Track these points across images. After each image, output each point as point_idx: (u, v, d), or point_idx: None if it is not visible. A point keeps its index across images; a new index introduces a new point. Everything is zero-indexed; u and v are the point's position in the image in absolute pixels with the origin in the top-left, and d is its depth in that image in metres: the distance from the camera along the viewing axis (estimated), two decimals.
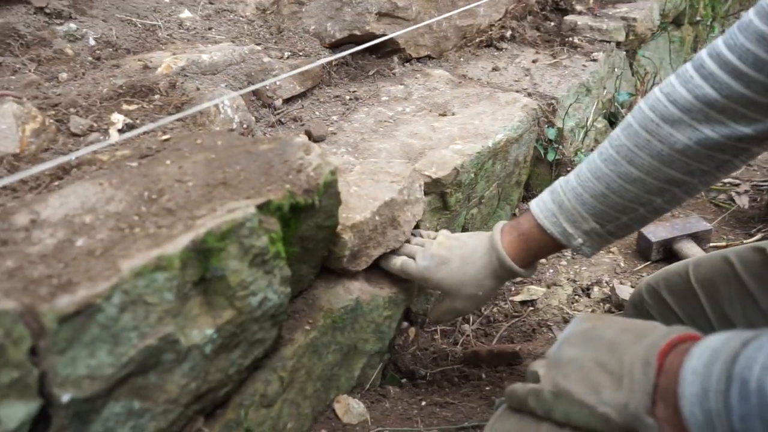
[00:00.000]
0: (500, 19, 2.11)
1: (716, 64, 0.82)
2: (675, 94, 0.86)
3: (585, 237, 0.99)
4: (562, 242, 1.00)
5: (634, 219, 0.97)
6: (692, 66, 0.86)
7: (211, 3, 1.83)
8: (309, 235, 0.95)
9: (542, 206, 1.01)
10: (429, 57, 1.92)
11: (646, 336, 0.65)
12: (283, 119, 1.45)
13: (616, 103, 2.15)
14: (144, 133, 1.06)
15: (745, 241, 1.70)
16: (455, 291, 1.08)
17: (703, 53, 0.86)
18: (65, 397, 0.61)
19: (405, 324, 1.39)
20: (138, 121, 1.12)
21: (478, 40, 2.05)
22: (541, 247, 1.03)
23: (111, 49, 1.43)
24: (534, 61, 1.95)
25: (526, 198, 1.86)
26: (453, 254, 1.08)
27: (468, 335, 1.41)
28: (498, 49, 2.07)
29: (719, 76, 0.82)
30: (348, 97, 1.61)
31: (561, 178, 1.03)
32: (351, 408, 1.12)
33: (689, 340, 0.62)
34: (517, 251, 1.03)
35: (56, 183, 0.93)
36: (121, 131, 1.09)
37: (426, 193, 1.27)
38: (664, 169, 0.88)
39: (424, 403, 1.20)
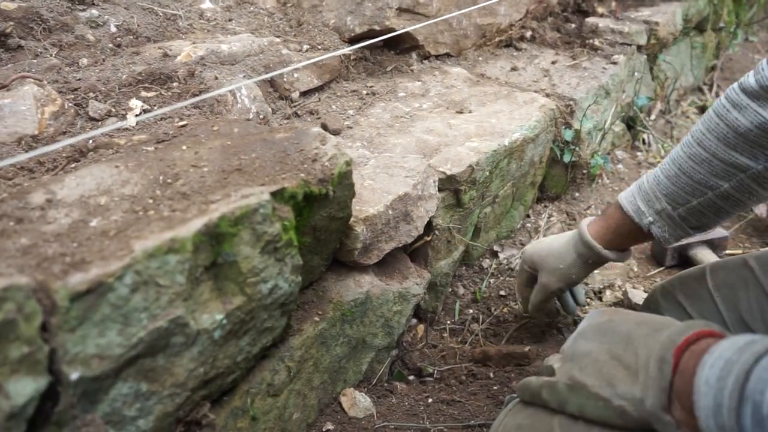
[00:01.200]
0: (521, 19, 2.10)
1: None
2: (746, 83, 0.92)
3: (656, 216, 1.03)
4: (635, 219, 1.04)
5: (705, 205, 0.98)
6: (766, 59, 0.91)
7: None
8: (322, 225, 0.94)
9: (626, 192, 1.09)
10: (448, 55, 1.91)
11: (661, 330, 0.65)
12: (299, 112, 1.45)
13: (635, 107, 2.12)
14: (161, 118, 1.07)
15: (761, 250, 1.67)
16: (541, 262, 1.20)
17: None
18: (74, 375, 0.62)
19: (414, 321, 1.38)
20: (156, 108, 1.13)
21: (497, 39, 2.04)
22: (619, 226, 1.08)
23: (131, 37, 1.44)
24: (553, 62, 1.94)
25: (540, 199, 1.84)
26: (548, 238, 1.25)
27: (477, 334, 1.40)
28: (517, 49, 2.06)
29: None
30: (365, 92, 1.61)
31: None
32: (357, 402, 1.12)
33: (705, 336, 0.62)
34: (597, 229, 1.12)
35: (73, 165, 0.94)
36: (138, 117, 1.09)
37: (440, 190, 1.27)
38: (729, 152, 0.93)
39: (430, 400, 1.19)
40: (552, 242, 1.21)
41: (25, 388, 0.57)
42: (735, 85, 0.94)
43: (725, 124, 0.93)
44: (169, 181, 0.80)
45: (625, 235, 1.10)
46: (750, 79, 0.91)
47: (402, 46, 1.78)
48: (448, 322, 1.44)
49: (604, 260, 1.14)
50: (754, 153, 0.91)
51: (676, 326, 0.65)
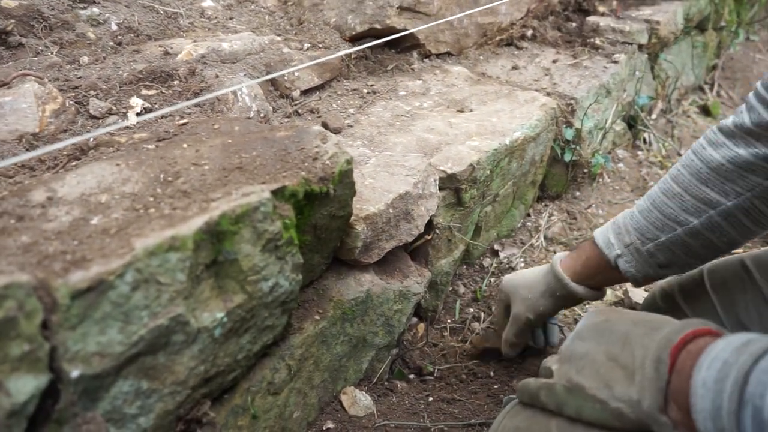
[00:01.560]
0: (521, 18, 2.09)
1: (757, 98, 0.88)
2: (724, 124, 0.93)
3: (624, 249, 1.01)
4: (604, 251, 1.03)
5: (674, 242, 0.96)
6: (744, 105, 0.92)
7: None
8: (322, 224, 0.94)
9: (602, 227, 1.08)
10: (448, 54, 1.91)
11: (659, 329, 0.65)
12: (300, 110, 1.45)
13: (636, 106, 2.12)
14: (162, 117, 1.07)
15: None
16: (513, 292, 1.17)
17: (758, 84, 0.89)
18: (75, 373, 0.62)
19: (415, 320, 1.38)
20: (156, 106, 1.13)
21: (498, 38, 2.04)
22: (589, 258, 1.06)
23: (132, 35, 1.44)
24: (554, 61, 1.94)
25: (541, 198, 1.84)
26: (526, 270, 1.21)
27: (478, 333, 1.40)
28: (518, 48, 2.05)
29: (757, 107, 0.88)
30: (366, 91, 1.60)
31: None
32: (358, 400, 1.12)
33: (703, 335, 0.62)
34: (569, 262, 1.09)
35: (73, 163, 0.94)
36: (139, 115, 1.09)
37: (441, 189, 1.27)
38: (701, 187, 0.93)
39: (431, 399, 1.20)
40: (526, 273, 1.19)
41: (26, 385, 0.57)
42: (714, 126, 0.96)
43: (699, 159, 0.94)
44: (169, 179, 0.80)
45: (593, 269, 1.06)
46: (728, 120, 0.93)
47: (403, 44, 1.78)
48: (449, 320, 1.44)
49: (573, 294, 1.08)
50: (725, 189, 0.91)
51: (673, 325, 0.64)
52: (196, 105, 1.15)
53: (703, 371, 0.56)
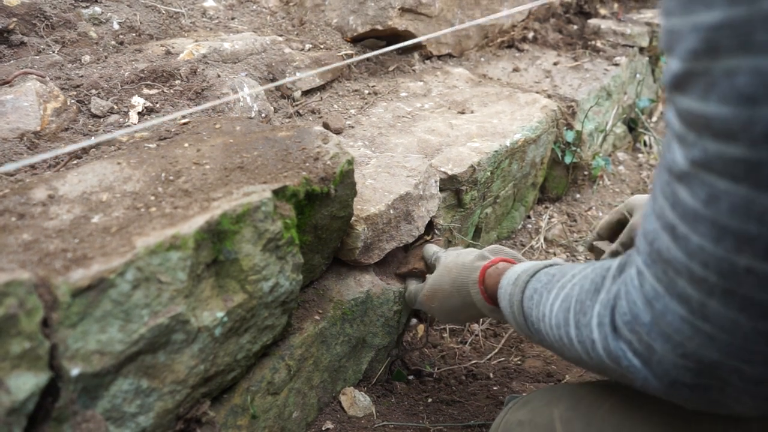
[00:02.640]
0: (523, 21, 2.10)
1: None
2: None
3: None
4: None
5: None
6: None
7: None
8: (323, 224, 0.94)
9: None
10: (450, 55, 1.91)
11: (470, 263, 0.98)
12: (301, 111, 1.45)
13: (636, 109, 2.12)
14: (163, 115, 1.07)
15: None
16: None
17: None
18: (74, 371, 0.62)
19: (414, 321, 1.38)
20: (158, 105, 1.13)
21: (499, 40, 2.04)
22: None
23: (134, 34, 1.44)
24: (555, 64, 1.94)
25: (541, 200, 1.84)
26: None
27: (477, 335, 1.40)
28: (519, 50, 2.06)
29: None
30: (367, 92, 1.61)
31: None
32: (357, 401, 1.12)
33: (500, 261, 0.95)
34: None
35: (75, 161, 0.94)
36: (141, 114, 1.09)
37: (441, 190, 1.27)
38: None
39: (430, 400, 1.19)
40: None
41: (26, 383, 0.57)
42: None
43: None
44: (171, 178, 0.80)
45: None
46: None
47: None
48: None
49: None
50: None
51: (477, 261, 0.97)
52: (198, 105, 1.15)
53: (506, 277, 0.85)
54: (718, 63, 0.39)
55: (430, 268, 1.16)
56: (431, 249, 1.17)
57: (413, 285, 1.16)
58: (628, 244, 1.04)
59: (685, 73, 0.42)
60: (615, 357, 0.57)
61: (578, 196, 1.90)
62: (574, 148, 1.75)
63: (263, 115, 1.29)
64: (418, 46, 1.80)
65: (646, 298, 0.52)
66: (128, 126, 1.04)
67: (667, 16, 0.43)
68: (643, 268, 0.53)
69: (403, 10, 1.66)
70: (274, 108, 1.40)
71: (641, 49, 2.16)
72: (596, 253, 1.13)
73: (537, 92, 1.72)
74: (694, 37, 0.40)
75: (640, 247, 0.54)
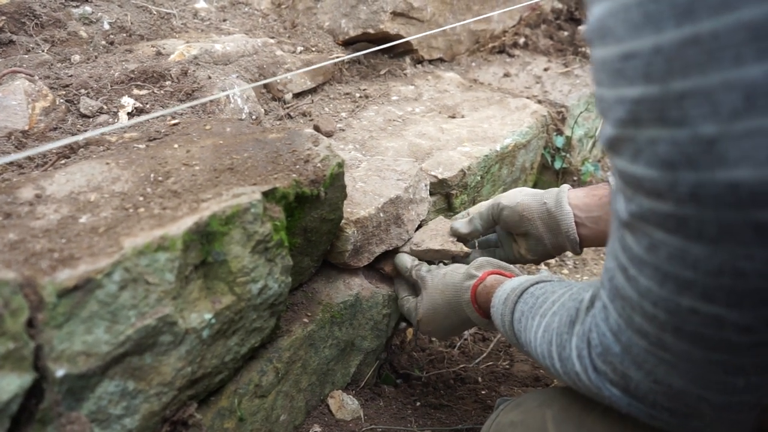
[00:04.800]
0: (514, 26, 2.11)
1: None
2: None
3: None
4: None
5: None
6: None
7: None
8: (313, 226, 0.94)
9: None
10: (441, 60, 1.92)
11: (460, 276, 1.00)
12: (292, 113, 1.45)
13: None
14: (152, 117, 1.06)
15: None
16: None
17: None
18: (60, 372, 0.61)
19: (403, 324, 1.38)
20: (148, 106, 1.12)
21: (490, 45, 2.05)
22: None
23: (125, 34, 1.44)
24: (546, 69, 1.95)
25: None
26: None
27: (466, 339, 1.40)
28: (510, 55, 2.07)
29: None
30: (358, 95, 1.61)
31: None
32: (345, 404, 1.12)
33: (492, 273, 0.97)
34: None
35: (63, 161, 0.93)
36: (130, 114, 1.09)
37: (431, 193, 1.27)
38: None
39: (418, 403, 1.19)
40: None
41: (10, 384, 0.57)
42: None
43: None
44: (160, 179, 0.79)
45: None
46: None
47: (396, 50, 1.78)
48: None
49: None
50: None
51: (465, 281, 0.98)
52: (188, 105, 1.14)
53: (498, 294, 0.87)
54: (641, 132, 0.42)
55: (407, 280, 1.15)
56: (407, 262, 1.14)
57: (410, 302, 1.13)
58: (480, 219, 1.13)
59: (616, 138, 0.45)
60: (597, 388, 0.60)
61: None
62: (563, 154, 1.76)
63: (254, 117, 1.28)
64: (409, 50, 1.80)
65: (612, 331, 0.55)
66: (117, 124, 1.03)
67: (598, 86, 0.47)
68: (607, 302, 0.56)
69: (395, 14, 1.67)
70: (265, 110, 1.40)
71: None
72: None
73: (527, 97, 1.73)
74: (620, 108, 0.43)
75: (604, 282, 0.56)
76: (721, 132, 0.37)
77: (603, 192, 1.02)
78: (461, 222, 1.14)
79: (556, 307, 0.70)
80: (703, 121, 0.38)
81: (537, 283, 0.81)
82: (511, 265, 1.02)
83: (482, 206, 1.13)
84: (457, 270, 1.03)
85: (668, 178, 0.41)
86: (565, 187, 1.06)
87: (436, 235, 1.15)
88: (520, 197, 1.08)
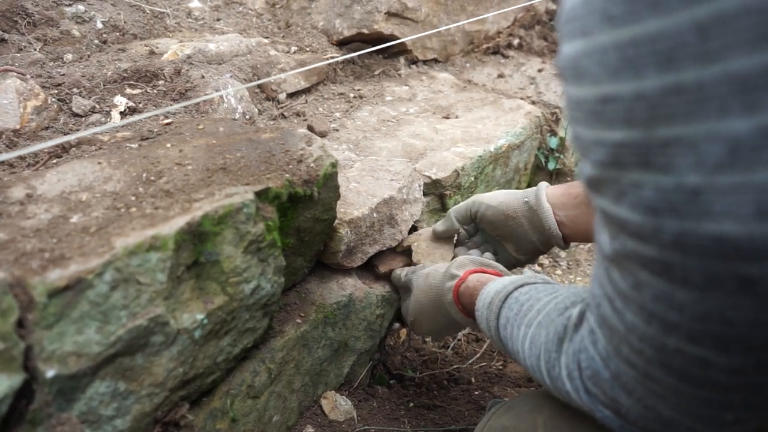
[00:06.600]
0: (508, 27, 2.11)
1: None
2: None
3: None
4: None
5: None
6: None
7: None
8: (306, 227, 0.94)
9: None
10: (435, 60, 1.92)
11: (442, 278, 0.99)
12: (286, 113, 1.45)
13: None
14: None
15: None
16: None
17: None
18: (50, 373, 0.61)
19: (397, 325, 1.38)
20: (141, 105, 1.12)
21: (485, 46, 2.05)
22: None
23: (118, 33, 1.43)
24: (540, 70, 1.95)
25: None
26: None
27: (459, 339, 1.40)
28: (504, 56, 2.07)
29: None
30: (352, 95, 1.61)
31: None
32: (338, 405, 1.11)
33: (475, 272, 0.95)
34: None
35: (54, 161, 0.92)
36: (123, 114, 1.08)
37: (425, 194, 1.27)
38: None
39: (411, 404, 1.19)
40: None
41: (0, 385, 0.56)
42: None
43: None
44: (152, 178, 0.79)
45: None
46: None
47: (390, 50, 1.78)
48: None
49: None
50: None
51: (447, 281, 0.97)
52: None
53: (482, 297, 0.85)
54: (624, 175, 0.41)
55: (400, 290, 1.18)
56: (398, 272, 1.16)
57: (404, 305, 1.15)
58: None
59: (598, 179, 0.44)
60: (589, 409, 0.59)
61: None
62: (557, 155, 1.76)
63: (247, 116, 1.28)
64: (403, 51, 1.80)
65: (601, 357, 0.55)
66: (110, 123, 1.03)
67: (574, 123, 0.45)
68: (595, 327, 0.55)
69: (390, 15, 1.67)
70: (259, 110, 1.39)
71: None
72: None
73: (521, 98, 1.73)
74: (600, 150, 0.42)
75: (591, 306, 0.55)
76: (706, 184, 0.36)
77: (578, 191, 1.03)
78: (438, 222, 1.17)
79: (542, 317, 0.69)
80: (687, 170, 0.37)
81: (521, 286, 0.79)
82: (494, 262, 1.01)
83: (459, 204, 1.16)
84: (438, 270, 1.03)
85: (652, 223, 0.40)
86: (543, 184, 1.07)
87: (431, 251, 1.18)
88: (502, 197, 1.09)
